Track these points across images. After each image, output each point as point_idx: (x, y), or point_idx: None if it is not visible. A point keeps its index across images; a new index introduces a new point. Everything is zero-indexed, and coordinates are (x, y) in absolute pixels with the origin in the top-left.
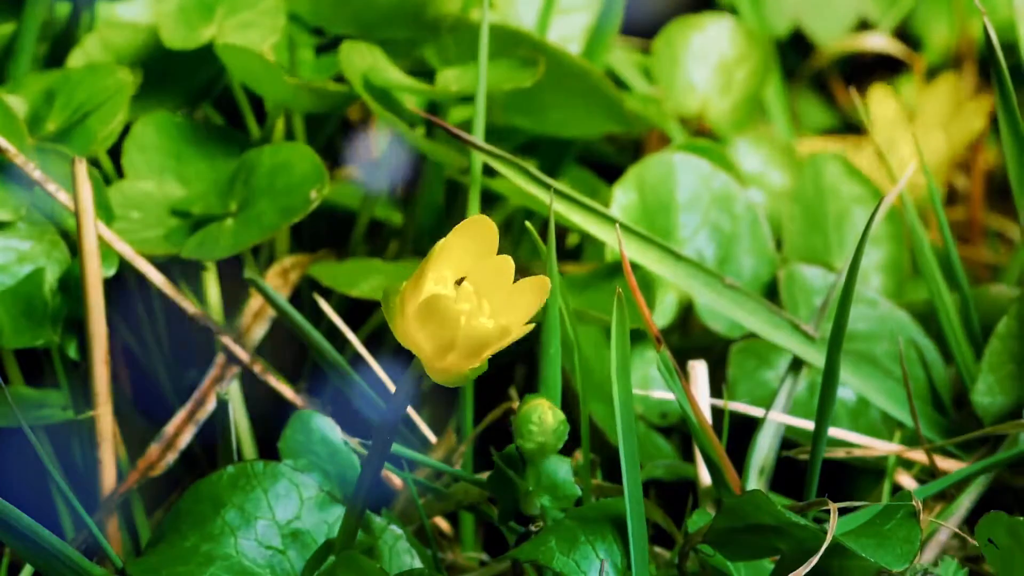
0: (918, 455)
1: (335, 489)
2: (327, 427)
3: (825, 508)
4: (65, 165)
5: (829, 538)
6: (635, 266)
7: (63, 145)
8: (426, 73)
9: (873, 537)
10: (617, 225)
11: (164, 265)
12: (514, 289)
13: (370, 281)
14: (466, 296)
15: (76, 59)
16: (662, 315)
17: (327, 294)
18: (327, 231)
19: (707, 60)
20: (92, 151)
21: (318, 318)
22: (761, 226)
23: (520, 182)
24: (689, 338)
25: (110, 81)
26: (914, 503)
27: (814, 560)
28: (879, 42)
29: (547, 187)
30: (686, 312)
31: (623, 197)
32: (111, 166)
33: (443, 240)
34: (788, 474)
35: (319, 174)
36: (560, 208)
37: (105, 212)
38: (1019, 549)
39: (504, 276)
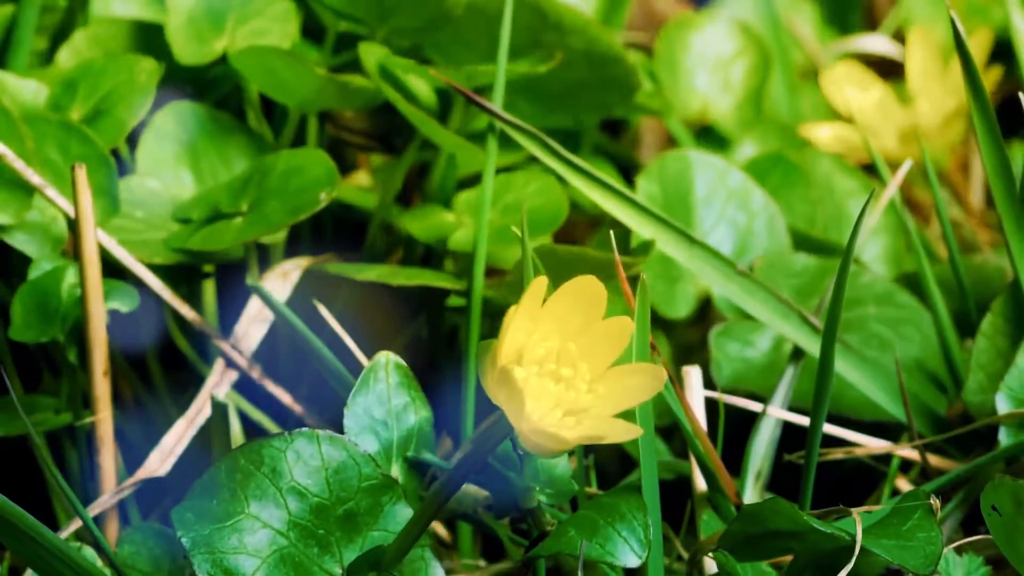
0: (914, 454)
1: (392, 463)
2: (401, 381)
3: (838, 513)
4: (88, 149)
5: (858, 547)
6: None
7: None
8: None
9: (894, 539)
10: (613, 201)
11: (165, 270)
12: (621, 372)
13: (377, 269)
14: (559, 377)
15: (65, 55)
16: (683, 306)
17: (330, 302)
18: (331, 236)
19: (706, 59)
20: (119, 141)
21: (320, 327)
22: (777, 221)
23: (542, 156)
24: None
25: (136, 71)
26: (931, 501)
27: (848, 568)
28: (879, 44)
29: (569, 164)
30: (704, 305)
31: (647, 187)
32: (127, 153)
33: (534, 294)
34: (784, 469)
35: (331, 177)
36: (580, 185)
37: (112, 205)
38: (1022, 517)
39: (609, 349)
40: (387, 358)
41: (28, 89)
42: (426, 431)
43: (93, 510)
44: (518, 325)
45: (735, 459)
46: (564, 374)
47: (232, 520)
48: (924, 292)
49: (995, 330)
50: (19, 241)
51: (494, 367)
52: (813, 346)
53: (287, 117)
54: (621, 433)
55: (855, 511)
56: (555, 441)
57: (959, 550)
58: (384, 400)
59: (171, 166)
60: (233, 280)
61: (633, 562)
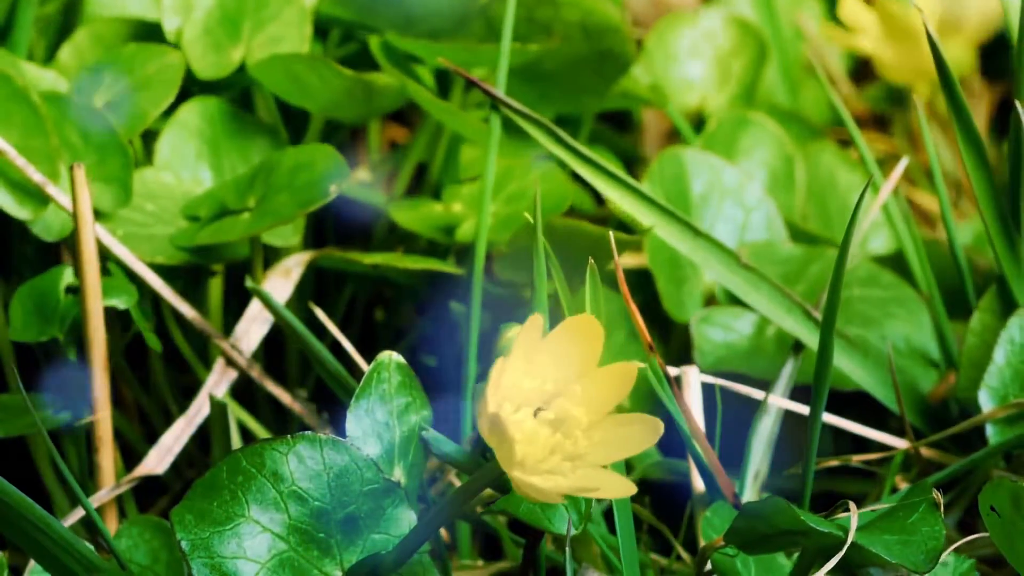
0: (908, 448)
1: (395, 464)
2: (403, 381)
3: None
4: (107, 136)
5: (848, 543)
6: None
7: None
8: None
9: (897, 534)
10: (618, 190)
11: (172, 270)
12: (618, 420)
13: (382, 255)
14: (554, 422)
15: (67, 53)
16: (691, 308)
17: (333, 300)
18: (333, 238)
19: (702, 54)
20: (139, 131)
21: (322, 327)
22: (773, 214)
23: (547, 144)
24: None
25: (162, 63)
26: (935, 495)
27: (834, 561)
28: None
29: (575, 152)
30: (709, 304)
31: (649, 190)
32: (141, 149)
33: (530, 332)
34: (784, 464)
35: (341, 170)
36: (585, 174)
37: (123, 195)
38: (1021, 518)
39: (610, 394)
40: (389, 358)
41: (46, 79)
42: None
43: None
44: (514, 365)
45: (730, 446)
46: (560, 419)
47: (232, 524)
48: (911, 271)
49: (984, 327)
50: (38, 228)
51: (486, 411)
52: (813, 339)
53: (306, 122)
54: (615, 489)
55: (853, 507)
56: (543, 495)
57: (956, 549)
58: (387, 400)
59: (191, 161)
60: (240, 280)
61: (569, 531)
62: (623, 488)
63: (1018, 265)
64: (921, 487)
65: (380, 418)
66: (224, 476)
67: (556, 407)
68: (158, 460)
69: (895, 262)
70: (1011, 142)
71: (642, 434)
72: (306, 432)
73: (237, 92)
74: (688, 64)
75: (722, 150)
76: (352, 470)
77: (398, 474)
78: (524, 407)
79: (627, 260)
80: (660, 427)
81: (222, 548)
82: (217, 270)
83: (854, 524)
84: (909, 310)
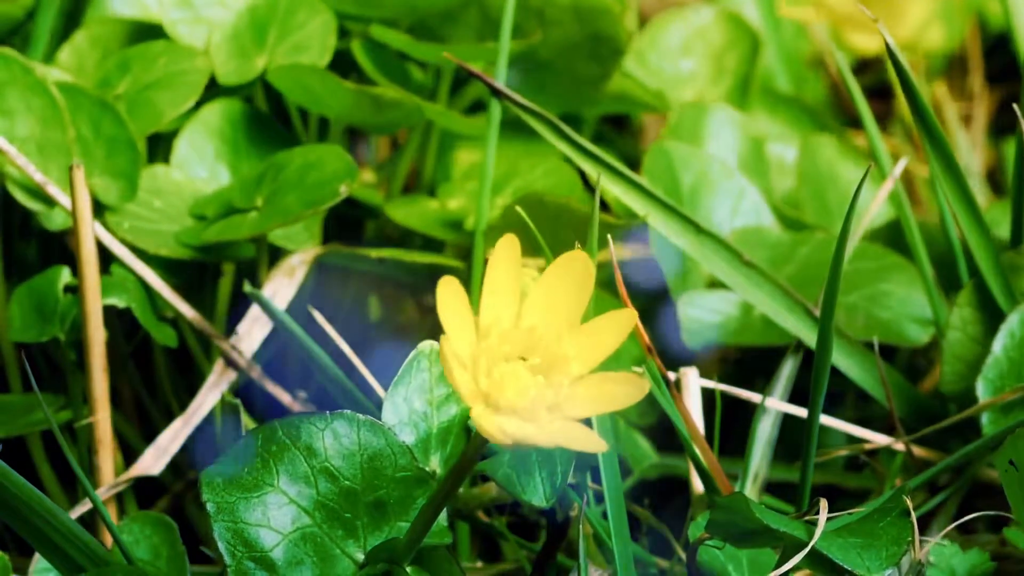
0: (900, 447)
1: (430, 455)
2: (444, 372)
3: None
4: (118, 131)
5: (816, 538)
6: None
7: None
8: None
9: (863, 536)
10: (620, 185)
11: (175, 269)
12: (605, 378)
13: (389, 250)
14: (540, 369)
15: (66, 55)
16: None
17: (332, 309)
18: (336, 237)
19: (695, 51)
20: (152, 130)
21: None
22: (760, 203)
23: (550, 136)
24: None
25: (189, 67)
26: (905, 499)
27: (792, 562)
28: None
29: (577, 146)
30: None
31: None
32: (144, 150)
33: (504, 257)
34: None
35: (350, 170)
36: (588, 168)
37: (129, 190)
38: None
39: (602, 345)
40: (431, 347)
41: (52, 77)
42: (467, 422)
43: (87, 505)
44: (492, 300)
45: (728, 437)
46: (548, 364)
47: (260, 492)
48: (906, 235)
49: (964, 321)
50: (44, 218)
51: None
52: (812, 337)
53: (324, 125)
54: (585, 443)
55: (823, 505)
56: (511, 438)
57: (969, 544)
58: (426, 390)
59: (210, 160)
60: (247, 278)
61: (539, 503)
62: (593, 443)
63: (995, 261)
64: (902, 491)
65: (418, 407)
66: (259, 442)
67: (545, 352)
68: (154, 460)
69: (880, 237)
70: (1017, 151)
71: (627, 393)
72: (346, 411)
73: (248, 93)
74: (682, 60)
75: (687, 138)
76: (387, 454)
77: (434, 464)
78: (514, 347)
79: (619, 253)
80: (646, 386)
81: (247, 514)
82: (227, 271)
83: (821, 523)
84: (900, 273)
